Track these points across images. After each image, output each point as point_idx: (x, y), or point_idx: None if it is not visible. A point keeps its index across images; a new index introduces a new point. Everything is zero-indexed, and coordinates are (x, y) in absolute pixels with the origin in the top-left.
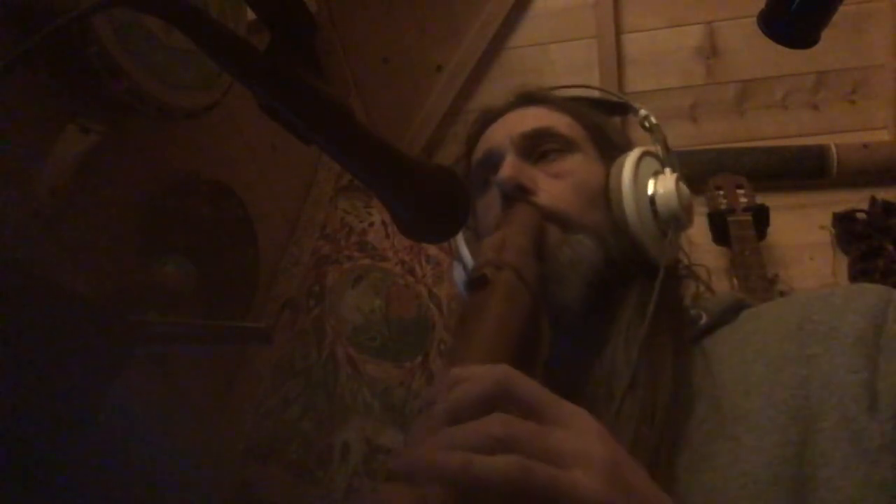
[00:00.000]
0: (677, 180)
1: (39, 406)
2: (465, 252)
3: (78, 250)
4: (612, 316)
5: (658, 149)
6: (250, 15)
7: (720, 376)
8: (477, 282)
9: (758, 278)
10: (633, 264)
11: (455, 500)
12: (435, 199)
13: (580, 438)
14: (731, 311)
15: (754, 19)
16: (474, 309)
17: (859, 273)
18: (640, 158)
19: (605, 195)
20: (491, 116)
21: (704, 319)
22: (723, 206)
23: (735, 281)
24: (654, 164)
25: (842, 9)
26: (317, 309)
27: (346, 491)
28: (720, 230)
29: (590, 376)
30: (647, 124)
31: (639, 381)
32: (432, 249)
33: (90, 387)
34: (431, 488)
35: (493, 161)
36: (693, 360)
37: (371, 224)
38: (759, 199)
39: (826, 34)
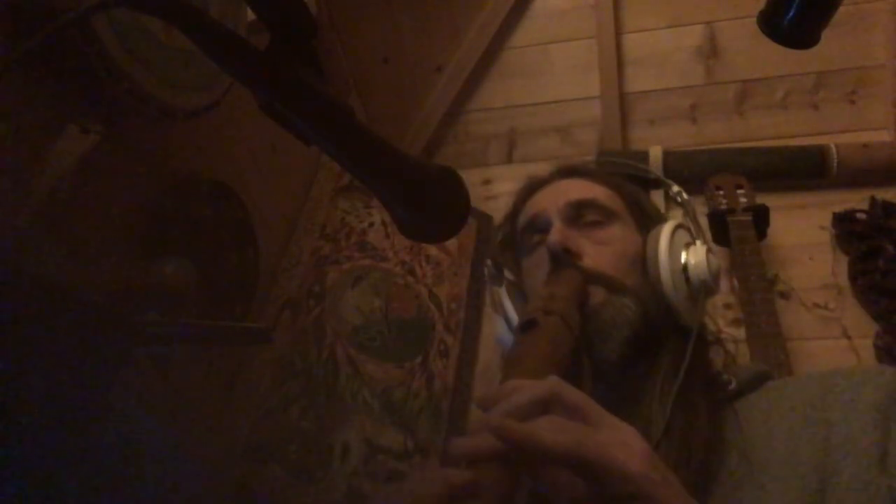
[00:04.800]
0: (707, 251)
1: (39, 406)
2: (508, 305)
3: (78, 250)
4: (647, 373)
5: (689, 222)
6: (250, 15)
7: (748, 433)
8: (527, 324)
9: (758, 278)
10: (667, 326)
11: (510, 477)
12: (435, 199)
13: (623, 437)
14: (757, 381)
15: (754, 19)
16: (524, 346)
17: (859, 273)
18: (674, 230)
19: (643, 262)
20: (536, 184)
21: (734, 385)
22: (723, 206)
23: (735, 281)
24: (686, 236)
25: (842, 9)
26: (317, 309)
27: (346, 491)
28: (720, 230)
29: None
30: (679, 199)
31: (674, 431)
32: (432, 249)
33: (90, 387)
34: (489, 471)
35: (540, 225)
36: (726, 417)
37: (371, 224)
38: (759, 199)
39: (826, 34)
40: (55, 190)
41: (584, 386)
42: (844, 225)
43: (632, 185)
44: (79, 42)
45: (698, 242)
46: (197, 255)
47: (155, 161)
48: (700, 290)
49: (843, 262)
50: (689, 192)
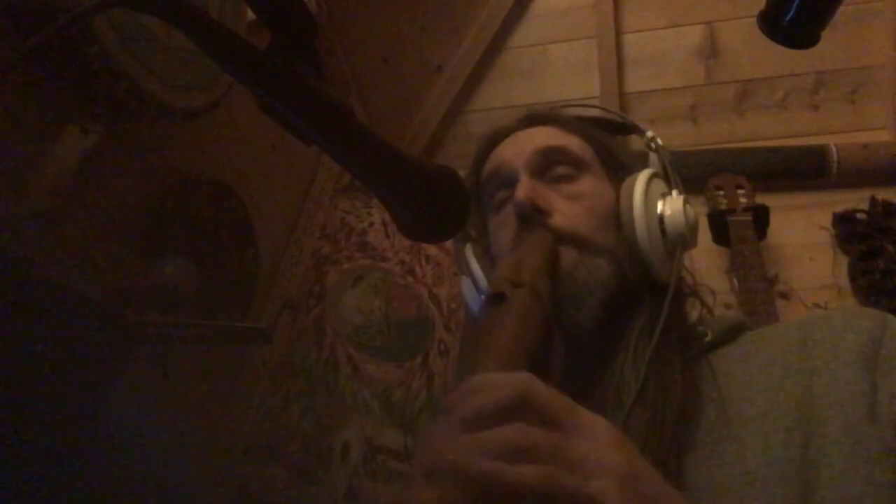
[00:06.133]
0: (684, 202)
1: (40, 405)
2: (474, 266)
3: (78, 250)
4: (621, 332)
5: (664, 170)
6: (250, 15)
7: (725, 387)
8: (494, 298)
9: (758, 278)
10: (642, 283)
11: (476, 501)
12: (435, 199)
13: (598, 448)
14: (733, 332)
15: (754, 19)
16: (491, 323)
17: (859, 273)
18: (649, 180)
19: (616, 216)
20: (500, 135)
21: (709, 336)
22: (723, 206)
23: (735, 281)
24: (662, 186)
25: (842, 9)
26: (317, 309)
27: (346, 491)
28: (720, 230)
29: (599, 388)
30: (653, 146)
31: (647, 393)
32: (432, 249)
33: (90, 386)
34: (452, 489)
35: (505, 180)
36: (700, 372)
37: (371, 224)
38: (759, 199)
39: (826, 34)
40: (55, 190)
41: (555, 357)
42: (844, 225)
43: (603, 133)
44: (79, 42)
45: (674, 192)
46: (197, 255)
47: (155, 161)
48: (677, 243)
49: (843, 262)
50: (688, 193)
